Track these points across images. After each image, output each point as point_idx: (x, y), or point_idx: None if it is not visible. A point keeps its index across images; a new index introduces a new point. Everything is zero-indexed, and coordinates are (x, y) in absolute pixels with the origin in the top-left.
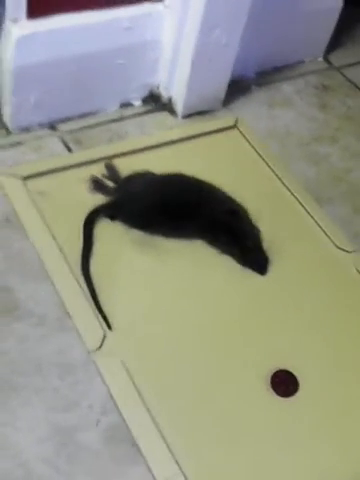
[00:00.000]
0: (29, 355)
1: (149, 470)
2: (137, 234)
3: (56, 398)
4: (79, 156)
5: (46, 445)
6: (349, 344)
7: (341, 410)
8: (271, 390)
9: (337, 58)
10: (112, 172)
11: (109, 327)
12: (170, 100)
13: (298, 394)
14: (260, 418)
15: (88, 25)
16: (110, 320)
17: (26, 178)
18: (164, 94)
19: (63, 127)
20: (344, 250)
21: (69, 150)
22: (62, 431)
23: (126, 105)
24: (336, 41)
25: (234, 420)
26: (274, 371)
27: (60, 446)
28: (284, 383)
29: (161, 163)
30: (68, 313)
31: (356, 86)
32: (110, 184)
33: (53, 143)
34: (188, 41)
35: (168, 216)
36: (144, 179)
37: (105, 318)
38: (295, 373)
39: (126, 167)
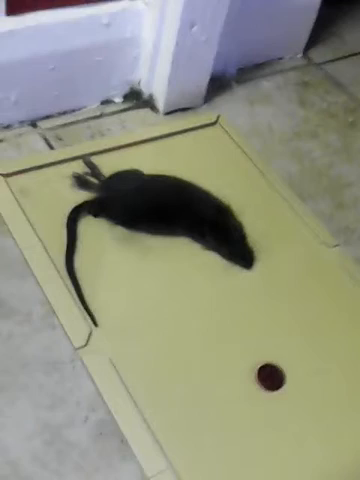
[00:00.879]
0: (14, 353)
1: (138, 466)
2: (121, 231)
3: (43, 395)
4: (61, 153)
5: (34, 442)
6: (333, 337)
7: (326, 403)
8: (257, 384)
9: (317, 54)
10: (92, 168)
11: (95, 324)
12: (151, 97)
13: (284, 387)
14: (247, 412)
15: (67, 22)
16: (96, 317)
17: (7, 175)
18: (145, 91)
19: (44, 124)
20: (327, 245)
21: (50, 147)
22: (50, 428)
23: (107, 102)
24: (315, 37)
25: (222, 414)
26: (260, 365)
27: (48, 443)
28: (270, 377)
29: (143, 160)
30: (53, 310)
31: (336, 82)
32: (93, 180)
33: (34, 140)
34: (168, 38)
35: (154, 214)
36: (130, 177)
37: (91, 315)
38: (281, 367)
39: (108, 164)
